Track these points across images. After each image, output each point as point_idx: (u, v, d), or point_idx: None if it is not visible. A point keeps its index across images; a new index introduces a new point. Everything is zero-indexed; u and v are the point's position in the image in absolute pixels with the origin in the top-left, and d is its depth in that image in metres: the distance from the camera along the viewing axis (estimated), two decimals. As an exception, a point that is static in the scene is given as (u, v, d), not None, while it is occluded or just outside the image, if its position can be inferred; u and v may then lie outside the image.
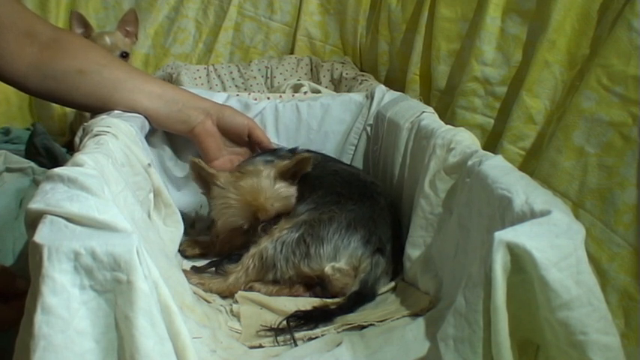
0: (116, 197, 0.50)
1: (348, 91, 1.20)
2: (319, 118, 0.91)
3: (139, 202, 0.58)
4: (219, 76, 1.38)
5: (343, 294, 0.67)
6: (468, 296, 0.41)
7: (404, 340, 0.55)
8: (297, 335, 0.59)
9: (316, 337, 0.59)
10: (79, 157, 0.50)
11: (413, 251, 0.67)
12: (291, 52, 1.50)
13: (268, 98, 0.93)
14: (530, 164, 0.85)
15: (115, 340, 0.37)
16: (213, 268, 0.74)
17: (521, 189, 0.45)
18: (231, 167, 0.80)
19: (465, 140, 0.63)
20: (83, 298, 0.37)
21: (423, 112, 0.76)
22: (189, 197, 0.87)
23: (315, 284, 0.70)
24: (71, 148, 1.15)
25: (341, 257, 0.67)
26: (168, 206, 0.71)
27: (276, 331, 0.60)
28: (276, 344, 0.59)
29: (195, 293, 0.65)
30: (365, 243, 0.68)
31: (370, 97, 0.91)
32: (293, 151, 0.81)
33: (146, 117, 0.75)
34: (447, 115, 1.01)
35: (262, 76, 1.40)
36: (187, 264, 0.77)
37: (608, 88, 0.69)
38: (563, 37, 0.81)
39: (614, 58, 0.69)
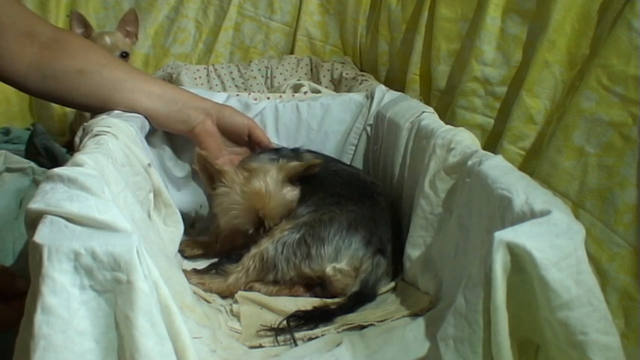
0: (116, 197, 0.50)
1: (348, 91, 1.20)
2: (319, 118, 0.91)
3: (139, 202, 0.58)
4: (219, 76, 1.38)
5: (344, 294, 0.67)
6: (468, 296, 0.41)
7: (404, 340, 0.55)
8: (297, 335, 0.59)
9: (316, 337, 0.59)
10: (79, 157, 0.50)
11: (413, 251, 0.67)
12: (291, 52, 1.50)
13: (268, 98, 0.93)
14: (530, 164, 0.85)
15: (115, 340, 0.37)
16: (214, 270, 0.74)
17: (521, 189, 0.45)
18: (232, 167, 0.80)
19: (465, 140, 0.63)
20: (83, 298, 0.37)
21: (423, 112, 0.76)
22: (189, 197, 0.87)
23: (316, 284, 0.70)
24: (71, 148, 1.15)
25: (342, 258, 0.67)
26: (168, 206, 0.71)
27: (276, 331, 0.60)
28: (276, 344, 0.59)
29: (195, 293, 0.65)
30: (366, 244, 0.68)
31: (370, 97, 0.91)
32: (296, 151, 0.81)
33: (146, 117, 0.75)
34: (447, 115, 1.01)
35: (262, 76, 1.40)
36: (187, 264, 0.77)
37: (608, 88, 0.69)
38: (563, 37, 0.81)
39: (614, 58, 0.69)
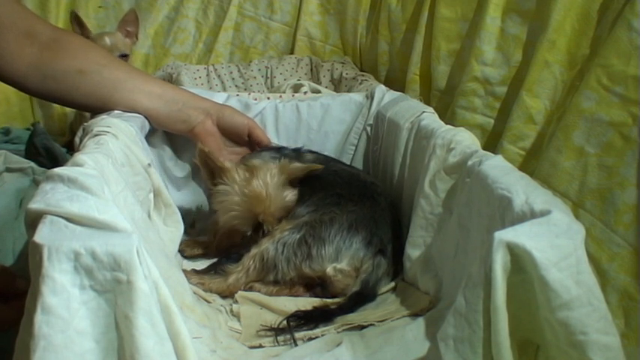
0: (116, 197, 0.50)
1: (348, 91, 1.20)
2: (319, 118, 0.91)
3: (139, 202, 0.58)
4: (219, 76, 1.38)
5: (344, 294, 0.67)
6: (468, 296, 0.41)
7: (404, 340, 0.55)
8: (297, 335, 0.59)
9: (316, 337, 0.59)
10: (79, 157, 0.50)
11: (413, 251, 0.67)
12: (291, 52, 1.50)
13: (268, 98, 0.93)
14: (530, 164, 0.85)
15: (115, 340, 0.37)
16: (213, 270, 0.74)
17: (521, 189, 0.45)
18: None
19: (465, 140, 0.63)
20: (83, 298, 0.37)
21: (423, 112, 0.76)
22: (189, 197, 0.87)
23: (316, 285, 0.70)
24: (71, 148, 1.15)
25: (342, 258, 0.67)
26: (168, 206, 0.71)
27: (276, 331, 0.60)
28: (276, 344, 0.59)
29: (195, 293, 0.65)
30: (367, 244, 0.68)
31: (370, 97, 0.91)
32: (297, 151, 0.81)
33: (146, 117, 0.75)
34: (447, 115, 1.01)
35: (262, 76, 1.40)
36: (187, 264, 0.77)
37: (608, 88, 0.69)
38: (563, 37, 0.81)
39: (614, 58, 0.69)
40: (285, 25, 1.50)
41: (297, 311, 0.63)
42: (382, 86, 0.93)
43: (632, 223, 0.67)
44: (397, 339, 0.55)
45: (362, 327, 0.61)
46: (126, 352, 0.37)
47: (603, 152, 0.70)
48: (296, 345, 0.59)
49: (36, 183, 0.85)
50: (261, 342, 0.59)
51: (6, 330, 0.49)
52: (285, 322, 0.61)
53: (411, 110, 0.77)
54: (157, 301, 0.38)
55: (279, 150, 0.81)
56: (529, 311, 0.39)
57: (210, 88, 1.33)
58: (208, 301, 0.67)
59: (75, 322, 0.36)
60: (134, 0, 1.45)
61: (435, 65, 1.07)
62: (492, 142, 0.92)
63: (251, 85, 1.36)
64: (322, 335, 0.59)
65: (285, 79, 1.35)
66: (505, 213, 0.45)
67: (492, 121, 0.96)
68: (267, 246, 0.68)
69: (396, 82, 1.22)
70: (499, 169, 0.51)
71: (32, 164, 0.91)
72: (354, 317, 0.63)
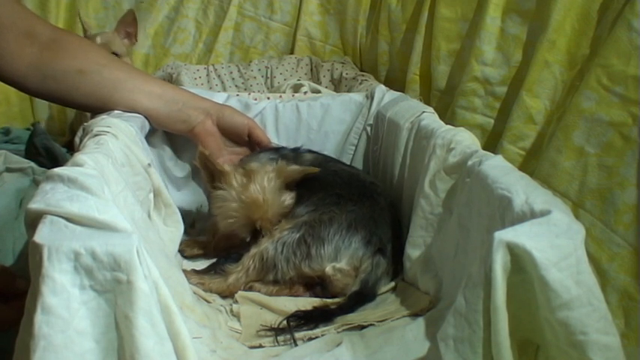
0: (116, 197, 0.50)
1: (348, 91, 1.20)
2: (319, 118, 0.91)
3: (139, 202, 0.58)
4: (219, 76, 1.38)
5: (344, 294, 0.67)
6: (468, 296, 0.41)
7: (404, 340, 0.55)
8: (297, 335, 0.59)
9: (316, 337, 0.59)
10: (79, 157, 0.50)
11: (413, 251, 0.67)
12: (291, 52, 1.50)
13: (268, 98, 0.93)
14: (530, 164, 0.85)
15: (115, 340, 0.37)
16: (213, 270, 0.74)
17: (521, 189, 0.45)
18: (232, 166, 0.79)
19: (465, 140, 0.63)
20: (83, 298, 0.37)
21: (423, 112, 0.76)
22: (189, 197, 0.87)
23: (316, 284, 0.70)
24: (71, 148, 1.15)
25: (342, 258, 0.67)
26: (168, 206, 0.71)
27: (276, 331, 0.60)
28: (276, 344, 0.59)
29: (195, 293, 0.65)
30: (366, 243, 0.68)
31: (370, 97, 0.91)
32: (296, 151, 0.81)
33: (146, 117, 0.75)
34: (447, 115, 1.01)
35: (262, 76, 1.40)
36: (187, 264, 0.77)
37: (608, 88, 0.69)
38: (563, 37, 0.81)
39: (614, 58, 0.69)
40: (285, 25, 1.50)
41: (297, 311, 0.63)
42: (382, 86, 0.93)
43: (632, 223, 0.67)
44: (397, 339, 0.55)
45: (362, 327, 0.61)
46: (126, 352, 0.37)
47: (603, 152, 0.70)
48: (296, 345, 0.59)
49: (36, 183, 0.85)
50: (261, 342, 0.59)
51: (6, 330, 0.49)
52: (285, 322, 0.61)
53: (411, 110, 0.77)
54: (157, 301, 0.38)
55: (278, 151, 0.81)
56: (529, 311, 0.39)
57: (210, 88, 1.33)
58: (208, 301, 0.67)
59: (75, 322, 0.36)
60: (134, 0, 1.45)
61: (435, 65, 1.07)
62: (492, 142, 0.92)
63: (251, 85, 1.36)
64: (322, 335, 0.59)
65: (285, 79, 1.35)
66: (505, 213, 0.45)
67: (492, 121, 0.96)
68: (266, 246, 0.69)
69: (396, 82, 1.21)
70: (499, 169, 0.51)
71: (32, 164, 0.91)
72: (354, 317, 0.62)
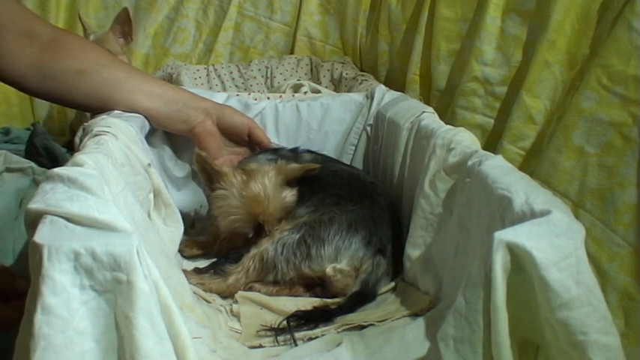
0: (116, 197, 0.50)
1: (348, 91, 1.20)
2: (319, 118, 0.91)
3: (139, 202, 0.58)
4: (219, 76, 1.38)
5: (344, 294, 0.67)
6: (468, 296, 0.41)
7: (404, 340, 0.55)
8: (297, 335, 0.59)
9: (316, 337, 0.59)
10: (79, 157, 0.50)
11: (413, 251, 0.67)
12: (291, 52, 1.49)
13: (268, 98, 0.93)
14: (530, 164, 0.85)
15: (115, 340, 0.37)
16: (213, 270, 0.74)
17: (521, 189, 0.45)
18: (231, 167, 0.79)
19: (465, 140, 0.63)
20: (83, 298, 0.37)
21: (423, 112, 0.76)
22: (189, 197, 0.87)
23: (316, 285, 0.70)
24: (71, 148, 1.15)
25: (342, 258, 0.67)
26: (168, 206, 0.71)
27: (276, 331, 0.60)
28: (276, 344, 0.59)
29: (195, 293, 0.65)
30: (366, 244, 0.68)
31: (370, 97, 0.91)
32: (294, 151, 0.81)
33: (146, 117, 0.75)
34: (447, 115, 1.01)
35: (262, 76, 1.40)
36: (188, 264, 0.77)
37: (608, 88, 0.69)
38: (563, 37, 0.81)
39: (614, 58, 0.69)
40: (285, 25, 1.50)
41: (297, 311, 0.63)
42: (382, 86, 0.93)
43: (632, 223, 0.67)
44: (397, 339, 0.55)
45: (362, 327, 0.61)
46: (126, 352, 0.37)
47: (603, 152, 0.70)
48: (296, 345, 0.59)
49: (36, 183, 0.85)
50: (261, 342, 0.59)
51: (6, 330, 0.49)
52: (285, 322, 0.61)
53: (411, 110, 0.77)
54: (157, 301, 0.38)
55: (276, 151, 0.81)
56: (529, 311, 0.39)
57: (210, 88, 1.33)
58: (208, 301, 0.67)
59: (75, 322, 0.36)
60: (134, 0, 1.45)
61: (435, 65, 1.07)
62: (492, 142, 0.92)
63: (251, 85, 1.36)
64: (322, 335, 0.59)
65: (285, 79, 1.35)
66: (505, 213, 0.45)
67: (492, 121, 0.96)
68: (266, 246, 0.69)
69: (396, 82, 1.21)
70: (499, 169, 0.51)
71: (32, 164, 0.91)
72: (354, 317, 0.63)
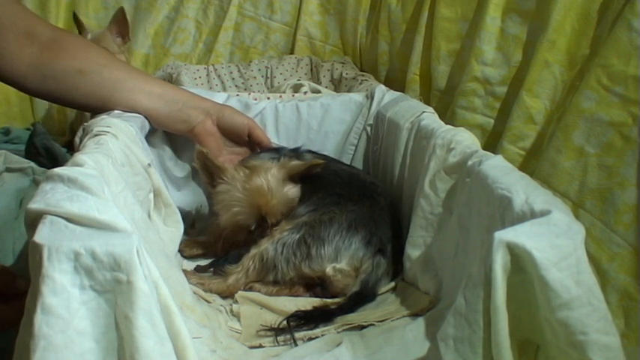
0: (116, 197, 0.50)
1: (348, 91, 1.20)
2: (319, 118, 0.91)
3: (139, 202, 0.58)
4: (219, 76, 1.38)
5: (344, 294, 0.67)
6: (468, 296, 0.41)
7: (404, 340, 0.55)
8: (297, 335, 0.59)
9: (316, 337, 0.59)
10: (79, 157, 0.50)
11: (413, 251, 0.67)
12: (291, 52, 1.49)
13: (268, 98, 0.93)
14: (530, 164, 0.85)
15: (115, 340, 0.37)
16: (213, 270, 0.74)
17: (521, 189, 0.45)
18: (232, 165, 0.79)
19: (465, 140, 0.63)
20: (83, 298, 0.37)
21: (423, 112, 0.76)
22: (189, 197, 0.87)
23: (316, 285, 0.70)
24: (71, 148, 1.15)
25: (342, 258, 0.67)
26: (168, 206, 0.71)
27: (276, 331, 0.60)
28: (276, 344, 0.59)
29: (195, 293, 0.65)
30: (366, 244, 0.68)
31: (370, 97, 0.91)
32: (296, 151, 0.81)
33: (146, 117, 0.75)
34: (447, 115, 1.01)
35: (262, 76, 1.40)
36: (188, 264, 0.77)
37: (608, 88, 0.69)
38: (563, 37, 0.81)
39: (614, 58, 0.69)
40: (285, 25, 1.50)
41: (297, 311, 0.63)
42: (382, 86, 0.93)
43: (632, 223, 0.67)
44: (397, 339, 0.55)
45: (362, 327, 0.61)
46: (126, 352, 0.37)
47: (603, 152, 0.70)
48: (296, 345, 0.59)
49: (36, 183, 0.85)
50: (261, 342, 0.59)
51: (6, 330, 0.49)
52: (285, 322, 0.61)
53: (411, 110, 0.77)
54: (157, 301, 0.38)
55: (278, 151, 0.81)
56: (529, 311, 0.39)
57: (210, 88, 1.33)
58: (208, 301, 0.67)
59: (75, 322, 0.36)
60: (134, 0, 1.45)
61: (435, 65, 1.07)
62: (492, 142, 0.92)
63: (251, 85, 1.36)
64: (322, 335, 0.59)
65: (285, 79, 1.35)
66: (505, 213, 0.45)
67: (492, 121, 0.96)
68: (266, 246, 0.69)
69: (396, 82, 1.21)
70: (499, 169, 0.51)
71: (32, 164, 0.91)
72: (354, 317, 0.63)
